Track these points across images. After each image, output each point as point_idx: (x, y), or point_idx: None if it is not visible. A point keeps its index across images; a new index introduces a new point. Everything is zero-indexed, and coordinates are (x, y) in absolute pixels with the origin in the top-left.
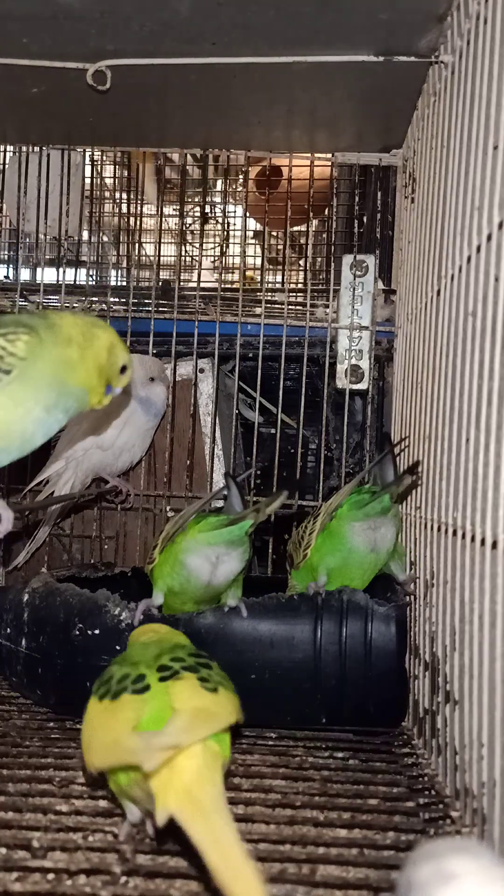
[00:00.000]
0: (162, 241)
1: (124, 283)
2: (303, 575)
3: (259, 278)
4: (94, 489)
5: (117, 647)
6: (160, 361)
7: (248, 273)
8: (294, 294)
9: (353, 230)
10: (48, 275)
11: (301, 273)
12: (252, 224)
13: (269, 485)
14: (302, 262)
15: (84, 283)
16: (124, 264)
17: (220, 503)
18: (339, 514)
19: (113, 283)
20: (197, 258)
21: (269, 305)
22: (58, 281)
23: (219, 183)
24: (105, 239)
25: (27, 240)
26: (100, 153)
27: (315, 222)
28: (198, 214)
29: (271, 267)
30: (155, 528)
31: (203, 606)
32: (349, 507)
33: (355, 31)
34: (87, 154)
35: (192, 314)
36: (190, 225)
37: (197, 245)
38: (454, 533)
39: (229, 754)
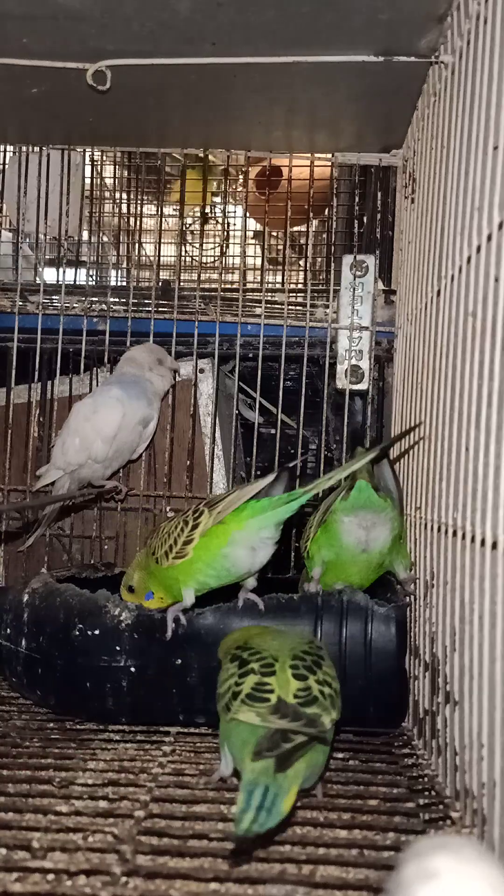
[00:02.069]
0: (162, 241)
1: (124, 283)
2: (309, 566)
3: (246, 278)
4: (92, 489)
5: (117, 648)
6: (162, 348)
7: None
8: (294, 294)
9: (353, 230)
10: (48, 275)
11: (301, 273)
12: (252, 224)
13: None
14: (302, 263)
15: (84, 283)
16: (124, 264)
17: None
18: (333, 508)
19: (113, 283)
20: (197, 258)
21: (269, 305)
22: (58, 281)
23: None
24: (105, 239)
25: (27, 240)
26: (100, 153)
27: (315, 222)
28: (198, 214)
29: (271, 267)
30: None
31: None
32: (340, 500)
33: (355, 31)
34: (87, 154)
35: (192, 314)
36: (190, 225)
37: (197, 245)
38: (454, 533)
39: None
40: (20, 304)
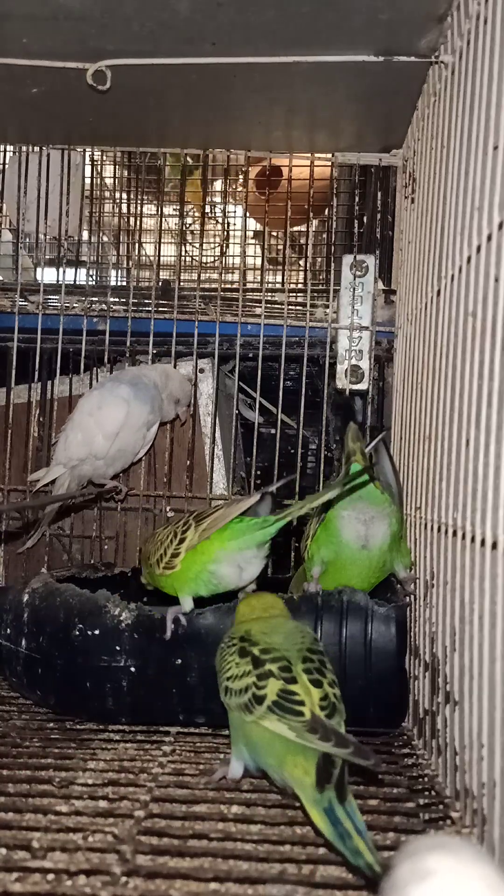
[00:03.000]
0: (162, 241)
1: (124, 283)
2: (308, 566)
3: (246, 278)
4: (93, 489)
5: (117, 648)
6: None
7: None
8: (294, 294)
9: (353, 230)
10: (48, 275)
11: (301, 273)
12: (252, 224)
13: (269, 485)
14: (302, 262)
15: (84, 283)
16: (124, 264)
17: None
18: (332, 504)
19: (113, 283)
20: (197, 258)
21: (269, 305)
22: (58, 281)
23: (218, 183)
24: (105, 239)
25: (27, 240)
26: (100, 153)
27: (315, 222)
28: (198, 214)
29: (271, 267)
30: (155, 528)
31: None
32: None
33: (355, 31)
34: (87, 154)
35: (192, 314)
36: (190, 225)
37: (197, 245)
38: (454, 533)
39: None
40: (20, 303)
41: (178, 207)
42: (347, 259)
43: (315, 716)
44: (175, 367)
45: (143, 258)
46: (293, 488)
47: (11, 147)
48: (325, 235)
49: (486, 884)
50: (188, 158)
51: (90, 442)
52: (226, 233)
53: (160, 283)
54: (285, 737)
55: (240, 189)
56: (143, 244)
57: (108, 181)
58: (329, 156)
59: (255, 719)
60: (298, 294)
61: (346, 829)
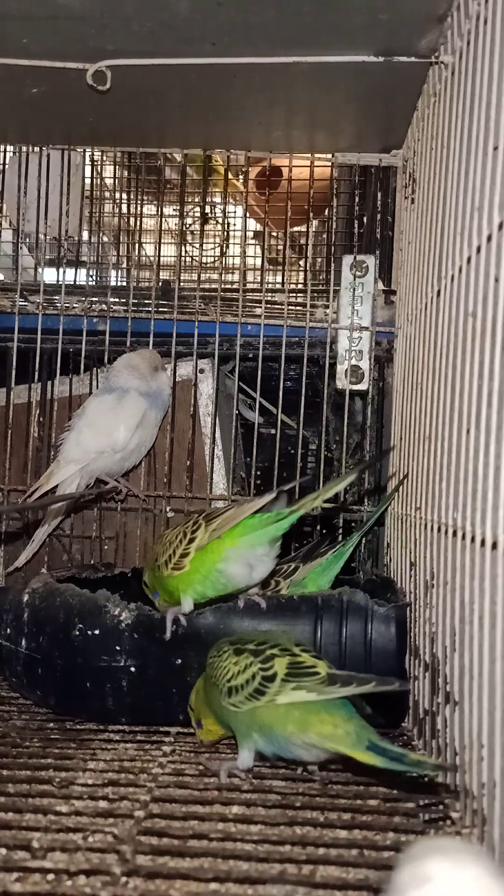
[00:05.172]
0: (162, 241)
1: (124, 283)
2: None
3: (246, 278)
4: (94, 489)
5: (117, 648)
6: (157, 353)
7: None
8: (294, 294)
9: (353, 230)
10: (48, 275)
11: (301, 273)
12: (252, 224)
13: (269, 486)
14: (302, 263)
15: (84, 283)
16: (124, 264)
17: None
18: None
19: (113, 283)
20: (197, 258)
21: (269, 306)
22: (58, 281)
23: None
24: (105, 239)
25: (27, 240)
26: (100, 153)
27: (315, 222)
28: (198, 214)
29: (271, 267)
30: (155, 528)
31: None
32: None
33: (355, 31)
34: (87, 154)
35: (192, 314)
36: (190, 225)
37: (197, 245)
38: (454, 534)
39: None
40: (20, 303)
41: (179, 207)
42: (347, 259)
43: (329, 672)
44: (175, 367)
45: (143, 258)
46: (292, 491)
47: (11, 147)
48: (325, 236)
49: (485, 888)
50: (215, 158)
51: (111, 432)
52: (226, 233)
53: (160, 284)
54: (305, 702)
55: (240, 189)
56: (143, 244)
57: (108, 181)
58: (329, 156)
59: (271, 697)
60: (298, 294)
61: (395, 752)
